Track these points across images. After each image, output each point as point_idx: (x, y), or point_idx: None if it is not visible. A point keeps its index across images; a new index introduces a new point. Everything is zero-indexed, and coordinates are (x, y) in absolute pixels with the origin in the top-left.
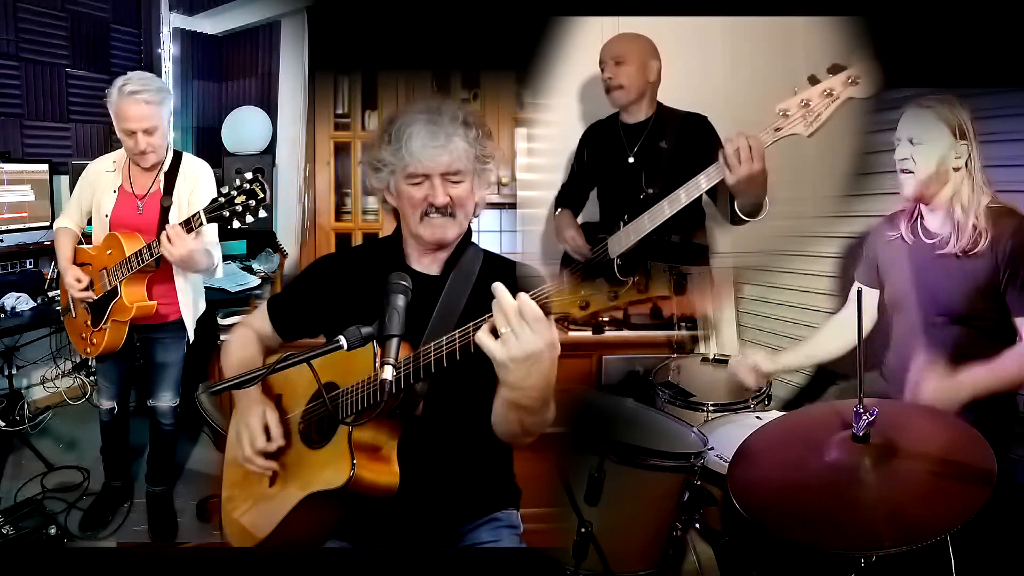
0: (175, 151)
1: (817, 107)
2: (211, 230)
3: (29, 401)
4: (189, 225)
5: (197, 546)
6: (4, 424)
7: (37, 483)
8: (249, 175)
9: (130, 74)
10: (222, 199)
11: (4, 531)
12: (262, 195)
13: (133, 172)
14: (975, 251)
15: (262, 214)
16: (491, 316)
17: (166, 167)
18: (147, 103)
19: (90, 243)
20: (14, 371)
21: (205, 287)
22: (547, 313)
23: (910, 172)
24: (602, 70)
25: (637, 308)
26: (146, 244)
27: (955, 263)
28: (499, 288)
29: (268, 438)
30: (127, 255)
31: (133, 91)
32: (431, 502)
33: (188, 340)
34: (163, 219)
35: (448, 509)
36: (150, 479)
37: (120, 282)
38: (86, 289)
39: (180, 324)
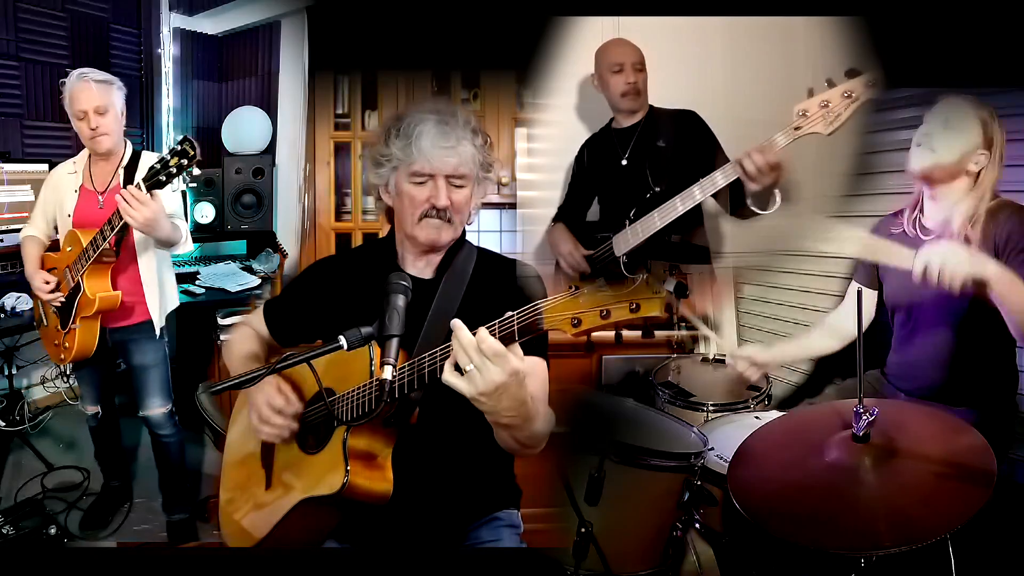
0: (134, 149)
1: (837, 107)
2: (173, 203)
3: (29, 401)
4: None
5: (197, 546)
6: (4, 424)
7: (37, 483)
8: (179, 137)
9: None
10: (157, 166)
11: (4, 531)
12: (192, 152)
13: (94, 169)
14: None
15: (196, 171)
16: (492, 324)
17: (125, 161)
18: (96, 82)
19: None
20: (14, 371)
21: (205, 287)
22: (540, 330)
23: (931, 150)
24: (614, 73)
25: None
26: (99, 230)
27: None
28: (457, 324)
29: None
30: (84, 246)
31: (82, 74)
32: (431, 506)
33: (164, 338)
34: None
35: (448, 511)
36: (167, 507)
37: (82, 275)
38: (54, 291)
39: (153, 322)
